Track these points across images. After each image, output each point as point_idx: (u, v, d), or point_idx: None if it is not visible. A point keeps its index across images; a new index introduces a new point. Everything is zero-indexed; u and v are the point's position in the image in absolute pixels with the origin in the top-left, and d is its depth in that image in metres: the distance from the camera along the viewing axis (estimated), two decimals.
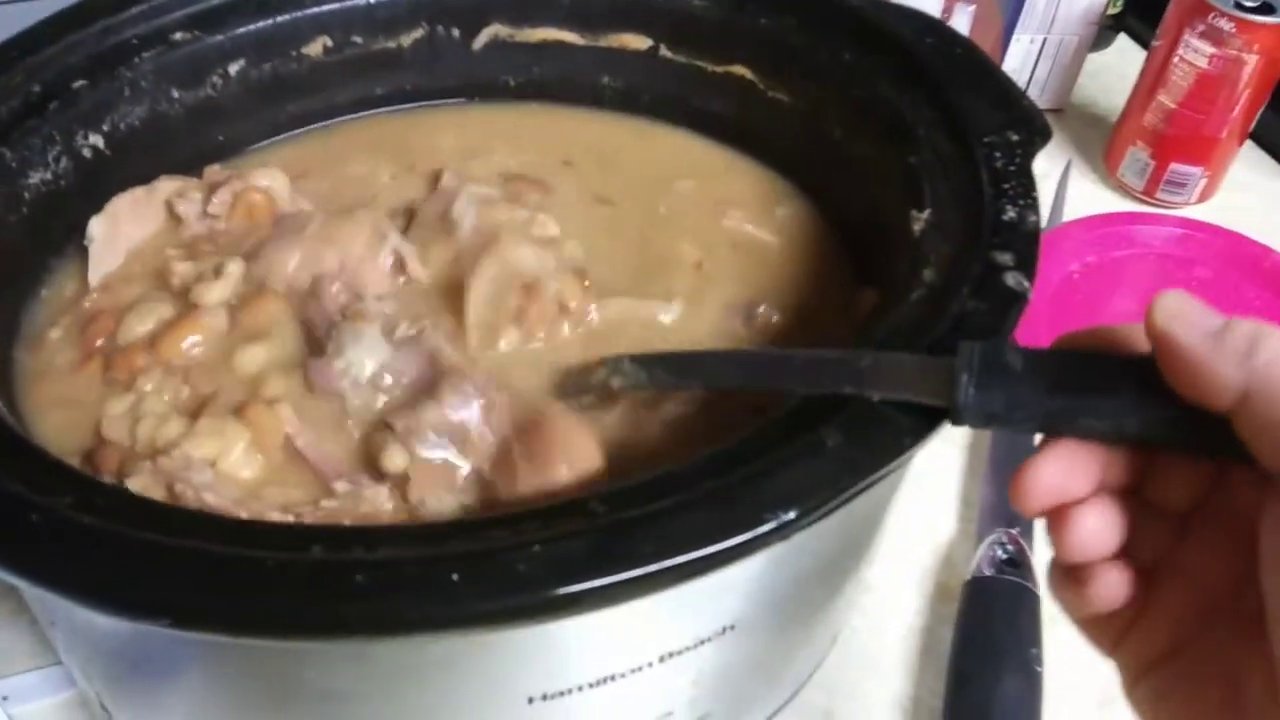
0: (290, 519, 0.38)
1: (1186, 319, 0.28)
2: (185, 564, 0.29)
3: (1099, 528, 0.31)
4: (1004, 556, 0.56)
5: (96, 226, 0.47)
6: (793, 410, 0.35)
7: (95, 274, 0.47)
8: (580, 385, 0.43)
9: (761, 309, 0.49)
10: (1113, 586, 0.32)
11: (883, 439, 0.33)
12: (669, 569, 0.29)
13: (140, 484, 0.37)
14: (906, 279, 0.41)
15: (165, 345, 0.43)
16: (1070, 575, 0.32)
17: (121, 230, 0.48)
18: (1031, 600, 0.53)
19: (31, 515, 0.30)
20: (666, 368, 0.42)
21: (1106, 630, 0.34)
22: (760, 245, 0.53)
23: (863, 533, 0.45)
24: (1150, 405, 0.29)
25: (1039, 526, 0.58)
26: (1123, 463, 0.31)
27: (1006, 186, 0.41)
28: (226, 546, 0.30)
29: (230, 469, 0.40)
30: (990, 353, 0.31)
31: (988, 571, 0.55)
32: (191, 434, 0.40)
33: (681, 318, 0.49)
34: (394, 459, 0.39)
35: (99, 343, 0.44)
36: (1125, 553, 0.32)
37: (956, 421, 0.32)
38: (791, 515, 0.31)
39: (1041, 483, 0.31)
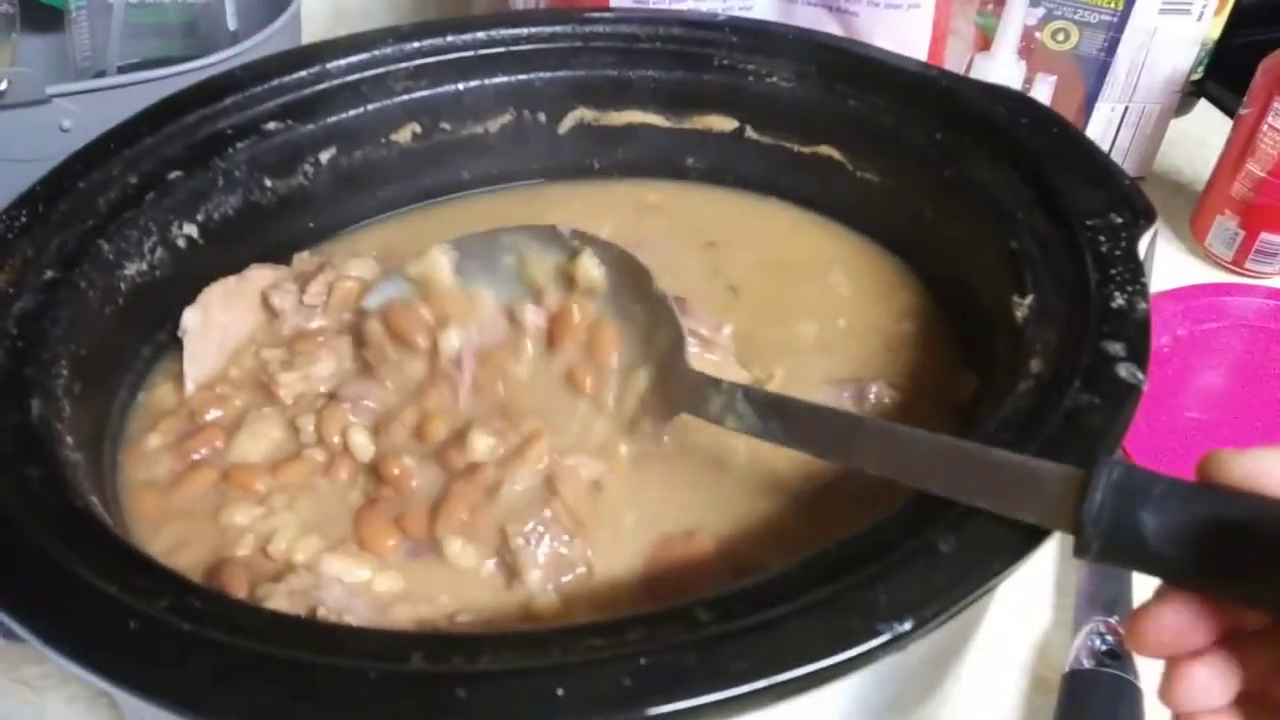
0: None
1: None
2: (283, 673, 0.29)
3: (1210, 683, 0.30)
4: (1104, 648, 0.54)
5: (190, 317, 0.48)
6: (899, 511, 0.34)
7: (192, 372, 0.47)
8: (694, 406, 0.41)
9: (874, 389, 0.47)
10: None
11: (1000, 542, 0.31)
12: (780, 684, 0.28)
13: (278, 605, 0.37)
14: (1011, 367, 0.39)
15: (288, 473, 0.43)
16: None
17: (215, 319, 0.48)
18: (1133, 694, 0.51)
19: (130, 621, 0.29)
20: (783, 421, 0.38)
21: None
22: (874, 326, 0.52)
23: (966, 629, 0.43)
24: None
25: None
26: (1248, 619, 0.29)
27: (1113, 272, 0.40)
28: (325, 656, 0.29)
29: (362, 583, 0.40)
30: (1129, 495, 0.29)
31: (1087, 664, 0.53)
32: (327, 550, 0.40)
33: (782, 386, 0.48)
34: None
35: (202, 453, 0.44)
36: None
37: (1078, 555, 0.30)
38: (907, 627, 0.29)
39: (1163, 630, 0.29)
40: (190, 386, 0.47)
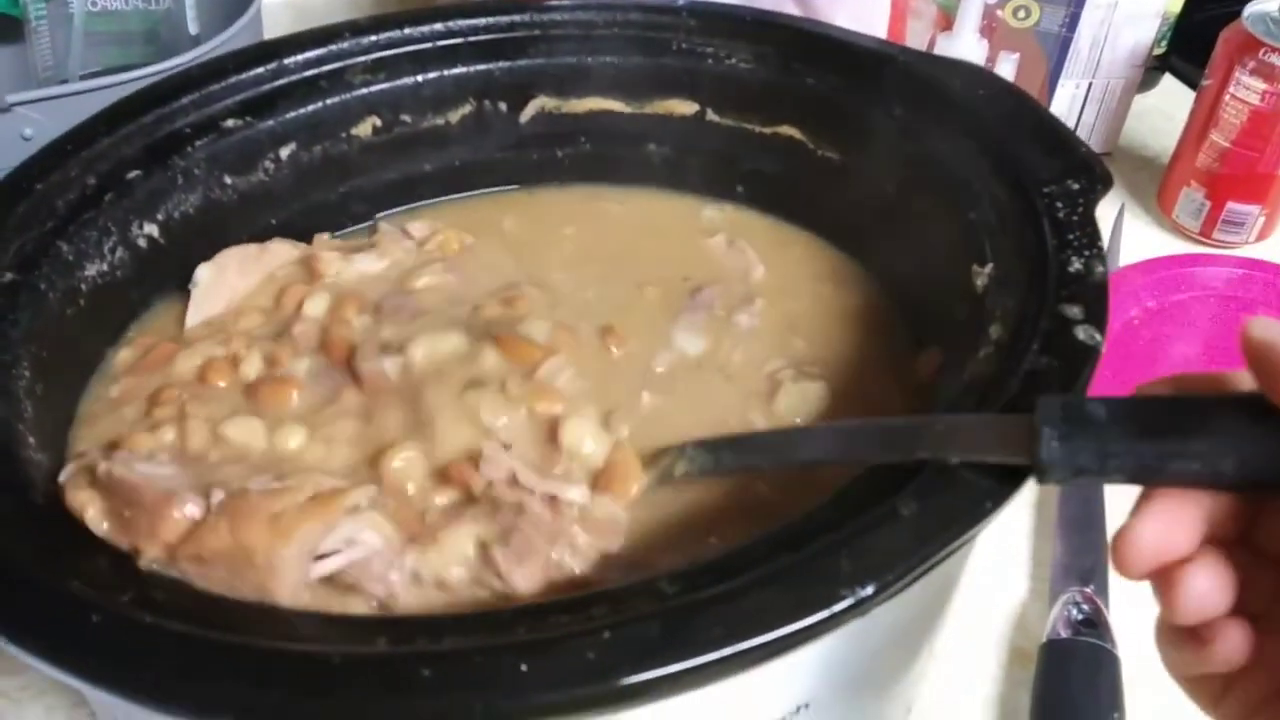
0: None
1: None
2: (248, 662, 0.28)
3: (1210, 586, 0.29)
4: (1080, 617, 0.54)
5: (203, 272, 0.49)
6: (861, 479, 0.34)
7: (195, 315, 0.49)
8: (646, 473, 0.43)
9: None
10: (1234, 643, 0.30)
11: (961, 504, 0.31)
12: (745, 651, 0.28)
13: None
14: (973, 337, 0.40)
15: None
16: (1185, 636, 0.31)
17: (227, 281, 0.49)
18: (1111, 662, 0.51)
19: (92, 616, 0.29)
20: (734, 450, 0.41)
21: (1209, 685, 0.32)
22: (812, 308, 0.52)
23: (937, 599, 0.43)
24: (1249, 439, 0.28)
25: (1114, 583, 0.56)
26: (1225, 511, 0.30)
27: (1071, 237, 0.40)
28: (289, 642, 0.29)
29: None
30: (1072, 405, 0.30)
31: (1064, 633, 0.53)
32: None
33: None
34: None
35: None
36: (1239, 607, 0.30)
37: (1042, 479, 0.30)
38: (869, 591, 0.29)
39: (1144, 543, 0.29)
40: (191, 322, 0.49)
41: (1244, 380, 0.30)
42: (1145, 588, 0.31)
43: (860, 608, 0.29)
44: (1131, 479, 0.30)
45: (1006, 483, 0.31)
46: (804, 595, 0.29)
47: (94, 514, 0.36)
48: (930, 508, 0.31)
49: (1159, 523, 0.29)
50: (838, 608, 0.29)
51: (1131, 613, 0.53)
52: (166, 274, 0.49)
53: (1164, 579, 0.30)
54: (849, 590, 0.29)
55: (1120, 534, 0.30)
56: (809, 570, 0.30)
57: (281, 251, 0.51)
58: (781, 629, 0.29)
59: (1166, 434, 0.29)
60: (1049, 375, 0.35)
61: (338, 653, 0.28)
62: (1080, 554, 0.58)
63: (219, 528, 0.35)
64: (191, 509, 0.36)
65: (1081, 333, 0.36)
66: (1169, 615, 0.30)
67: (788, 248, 0.56)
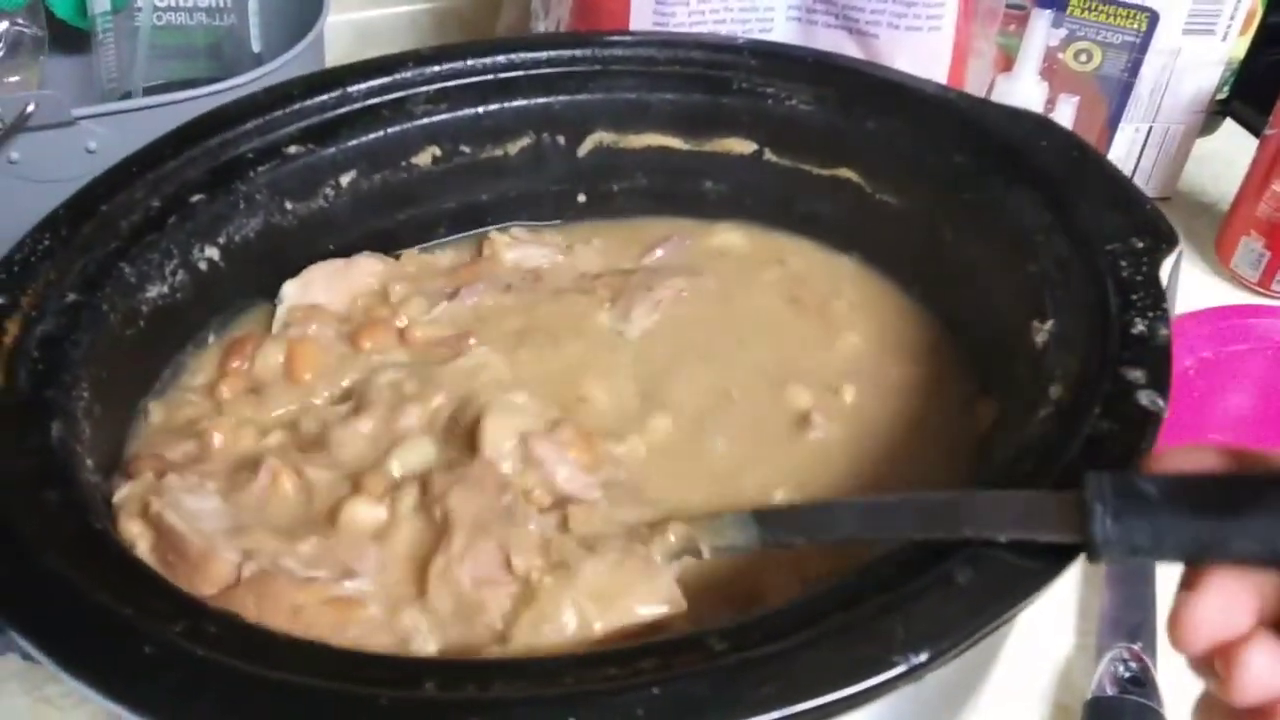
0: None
1: None
2: (297, 700, 0.29)
3: (1269, 665, 0.29)
4: (1127, 674, 0.53)
5: (290, 288, 0.51)
6: (915, 541, 0.33)
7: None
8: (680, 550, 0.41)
9: None
10: None
11: (1015, 574, 0.31)
12: (796, 715, 0.28)
13: None
14: (1031, 393, 0.39)
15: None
16: (1242, 714, 0.30)
17: (313, 296, 0.51)
18: None
19: (145, 647, 0.30)
20: (768, 527, 0.40)
21: None
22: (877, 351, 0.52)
23: (985, 658, 0.43)
24: None
25: (1163, 641, 0.55)
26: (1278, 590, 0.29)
27: (1135, 297, 0.40)
28: (339, 682, 0.29)
29: None
30: (1122, 482, 0.30)
31: (1110, 691, 0.52)
32: None
33: None
34: None
35: None
36: None
37: (1094, 559, 0.30)
38: (923, 658, 0.29)
39: (1202, 621, 0.29)
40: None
41: None
42: None
43: (913, 674, 0.29)
44: (1187, 558, 0.30)
45: (1061, 554, 0.31)
46: (857, 659, 0.29)
47: (144, 548, 0.36)
48: (986, 576, 0.31)
49: (1217, 600, 0.29)
50: (890, 674, 0.29)
51: (1180, 673, 0.52)
52: (224, 297, 0.50)
53: (1223, 658, 0.29)
54: (902, 657, 0.29)
55: (1177, 610, 0.29)
56: (862, 633, 0.30)
57: (367, 266, 0.52)
58: (833, 694, 0.28)
59: (1223, 513, 0.29)
60: (1110, 441, 0.35)
61: (387, 696, 0.28)
62: (1128, 609, 0.57)
63: (246, 600, 0.36)
64: (228, 571, 0.37)
65: (1144, 398, 0.36)
66: (1228, 694, 0.30)
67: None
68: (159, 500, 0.38)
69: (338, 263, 0.52)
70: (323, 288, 0.51)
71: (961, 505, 0.33)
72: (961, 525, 0.32)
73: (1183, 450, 0.32)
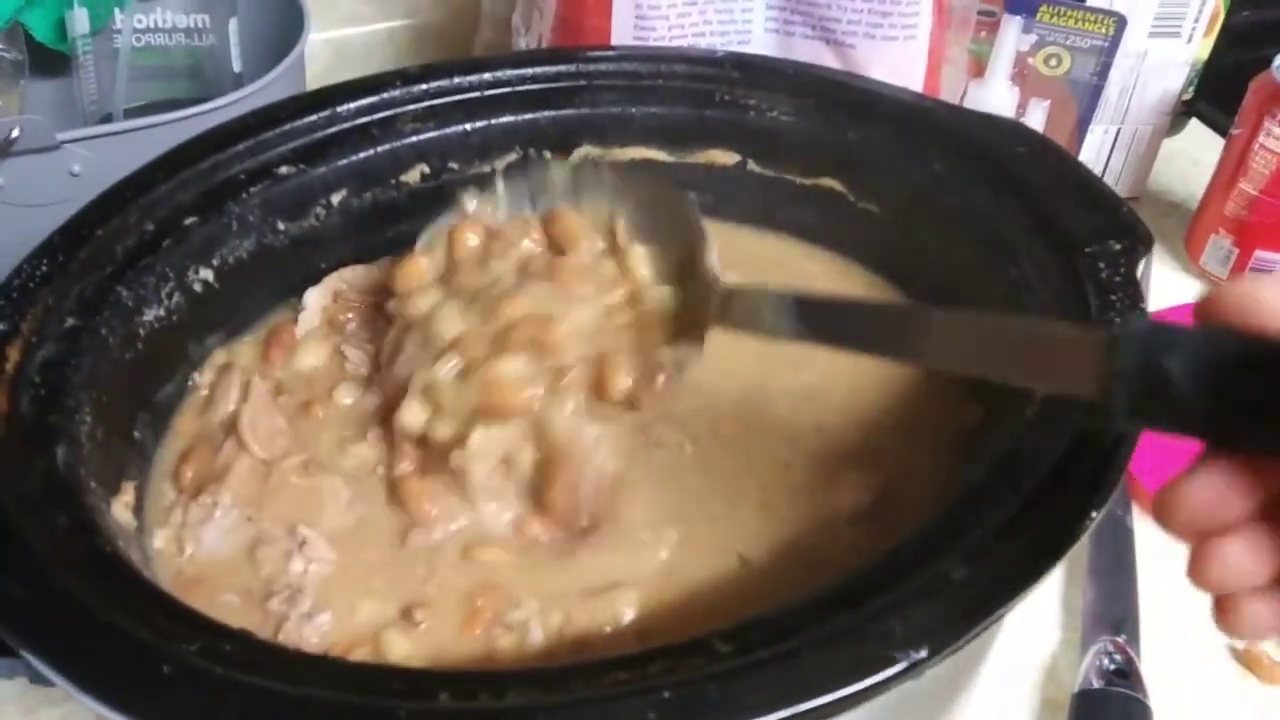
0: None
1: None
2: (314, 715, 0.29)
3: (1241, 561, 0.27)
4: (1112, 667, 0.54)
5: (311, 296, 0.52)
6: (910, 540, 0.34)
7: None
8: (730, 316, 0.41)
9: None
10: (1260, 619, 0.28)
11: (1009, 569, 0.32)
12: (801, 714, 0.29)
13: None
14: (1015, 394, 0.40)
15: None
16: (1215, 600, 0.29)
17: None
18: (1143, 713, 0.51)
19: (164, 667, 0.30)
20: (806, 320, 0.38)
21: None
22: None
23: (977, 656, 0.44)
24: None
25: (1146, 633, 0.56)
26: None
27: (1114, 298, 0.41)
28: (355, 696, 0.30)
29: None
30: (1154, 331, 0.27)
31: (1096, 683, 0.53)
32: None
33: None
34: None
35: None
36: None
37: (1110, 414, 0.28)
38: (923, 655, 0.30)
39: (1191, 503, 0.27)
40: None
41: None
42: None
43: (913, 671, 0.30)
44: (1211, 435, 0.27)
45: (1056, 544, 0.32)
46: (858, 658, 0.30)
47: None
48: (981, 572, 0.32)
49: (1213, 486, 0.27)
50: (891, 671, 0.30)
51: (1164, 663, 0.53)
52: (219, 317, 0.50)
53: (1199, 543, 0.28)
54: (903, 654, 0.30)
55: (1170, 486, 0.28)
56: (863, 633, 0.31)
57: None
58: (837, 692, 0.29)
59: (1261, 410, 0.26)
60: (1096, 437, 0.36)
61: (403, 708, 0.29)
62: (1112, 603, 0.58)
63: None
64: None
65: None
66: (1193, 580, 0.28)
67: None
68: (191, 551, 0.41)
69: (358, 269, 0.54)
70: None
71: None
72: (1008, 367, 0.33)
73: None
